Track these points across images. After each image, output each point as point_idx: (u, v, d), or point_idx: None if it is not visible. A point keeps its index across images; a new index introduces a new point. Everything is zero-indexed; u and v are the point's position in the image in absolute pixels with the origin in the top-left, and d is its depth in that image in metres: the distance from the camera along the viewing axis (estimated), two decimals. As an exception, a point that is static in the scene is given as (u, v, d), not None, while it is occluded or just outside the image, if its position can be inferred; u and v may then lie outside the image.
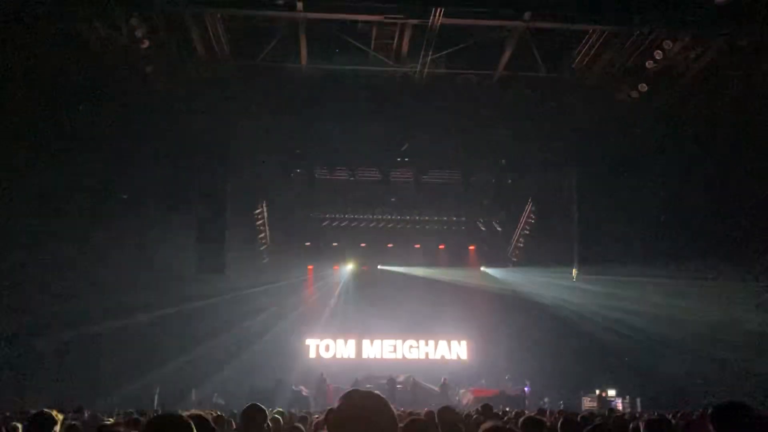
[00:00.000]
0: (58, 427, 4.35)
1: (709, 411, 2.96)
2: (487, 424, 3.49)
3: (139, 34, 14.51)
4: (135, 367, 20.84)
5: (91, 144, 17.65)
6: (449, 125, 18.88)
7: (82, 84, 16.06)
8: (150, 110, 17.49)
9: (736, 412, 2.95)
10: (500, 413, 10.83)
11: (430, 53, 15.78)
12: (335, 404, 2.03)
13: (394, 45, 16.04)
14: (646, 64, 15.89)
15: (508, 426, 3.49)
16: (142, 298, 20.93)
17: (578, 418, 7.35)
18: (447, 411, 6.60)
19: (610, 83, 17.32)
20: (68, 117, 16.60)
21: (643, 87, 16.64)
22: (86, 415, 10.34)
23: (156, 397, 20.01)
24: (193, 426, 2.74)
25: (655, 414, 8.27)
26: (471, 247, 28.82)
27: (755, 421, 2.94)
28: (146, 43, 14.83)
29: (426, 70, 16.48)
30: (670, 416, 8.12)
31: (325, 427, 2.16)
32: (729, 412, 2.95)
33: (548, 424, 6.94)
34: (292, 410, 13.27)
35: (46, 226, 17.79)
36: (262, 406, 4.87)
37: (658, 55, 15.50)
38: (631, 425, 6.91)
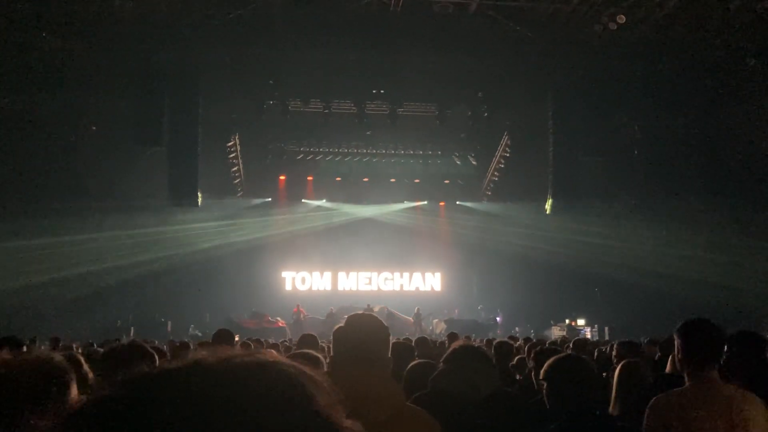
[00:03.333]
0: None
1: (678, 326, 3.04)
2: (457, 342, 3.55)
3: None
4: (108, 298, 20.91)
5: (58, 75, 17.14)
6: (425, 56, 18.58)
7: (47, 13, 15.44)
8: (118, 42, 16.94)
9: (702, 326, 3.03)
10: (471, 339, 11.09)
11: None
12: (340, 324, 2.34)
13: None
14: (625, -6, 15.68)
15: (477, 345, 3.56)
16: (114, 228, 20.82)
17: (547, 344, 7.58)
18: (423, 341, 6.95)
19: (589, 14, 17.09)
20: (34, 47, 16.03)
21: (622, 18, 16.45)
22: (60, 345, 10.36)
23: (132, 329, 20.12)
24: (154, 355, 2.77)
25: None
26: (446, 181, 28.91)
27: (718, 333, 3.02)
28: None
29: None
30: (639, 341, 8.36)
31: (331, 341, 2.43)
32: (695, 326, 3.03)
33: (515, 348, 7.17)
34: (270, 340, 13.45)
35: (13, 156, 17.43)
36: (230, 331, 5.15)
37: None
38: (596, 350, 7.11)
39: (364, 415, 0.82)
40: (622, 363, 4.36)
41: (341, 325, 2.32)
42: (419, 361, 3.66)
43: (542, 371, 3.01)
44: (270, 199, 27.44)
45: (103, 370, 2.73)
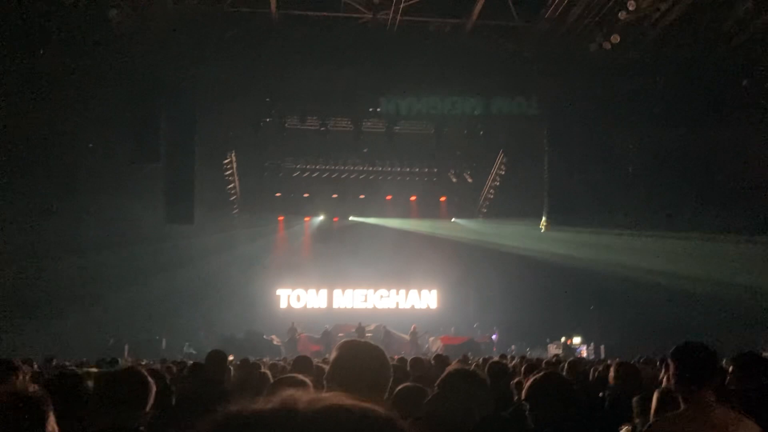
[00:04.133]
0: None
1: (671, 350, 3.05)
2: (452, 366, 3.55)
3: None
4: (103, 317, 20.82)
5: (53, 90, 17.16)
6: (422, 75, 18.69)
7: (44, 28, 15.50)
8: (115, 57, 16.99)
9: (695, 349, 3.04)
10: (468, 359, 11.06)
11: (403, 1, 15.51)
12: (332, 352, 2.36)
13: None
14: (619, 14, 15.83)
15: (472, 368, 3.56)
16: (110, 248, 20.79)
17: (543, 364, 7.55)
18: (418, 362, 6.94)
19: (583, 34, 17.25)
20: (30, 62, 16.07)
21: (616, 38, 16.61)
22: (54, 363, 10.31)
23: (126, 347, 20.01)
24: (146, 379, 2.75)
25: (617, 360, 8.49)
26: (442, 199, 28.94)
27: (712, 356, 3.04)
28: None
29: (399, 17, 16.22)
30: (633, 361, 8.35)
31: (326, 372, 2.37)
32: (688, 350, 3.04)
33: (511, 367, 7.15)
34: (265, 359, 13.38)
35: (8, 174, 17.43)
36: (223, 351, 5.11)
37: (630, 5, 15.44)
38: (593, 368, 7.08)
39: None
40: (662, 389, 4.11)
41: (337, 353, 2.30)
42: (407, 385, 3.63)
43: (523, 392, 3.02)
44: (266, 217, 27.40)
45: (101, 399, 2.70)
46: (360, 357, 2.21)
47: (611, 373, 6.07)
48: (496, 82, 19.18)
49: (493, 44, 17.73)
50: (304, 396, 0.71)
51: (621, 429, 3.97)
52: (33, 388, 1.82)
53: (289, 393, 0.72)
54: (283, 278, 27.97)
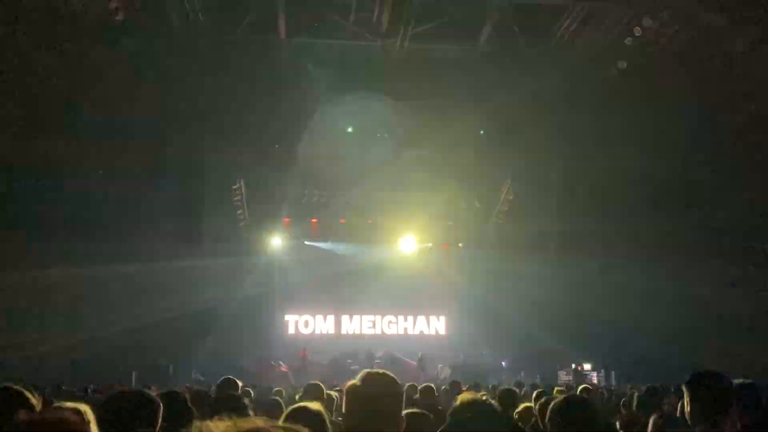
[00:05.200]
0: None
1: (687, 379, 3.01)
2: (464, 395, 3.52)
3: (113, 5, 14.23)
4: (110, 342, 20.77)
5: (64, 118, 17.34)
6: (429, 99, 18.80)
7: (56, 56, 15.72)
8: (125, 84, 17.19)
9: (710, 378, 3.01)
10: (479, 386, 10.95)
11: (410, 27, 15.67)
12: (349, 382, 2.35)
13: (374, 18, 15.90)
14: (626, 41, 15.94)
15: (484, 397, 3.53)
16: (119, 273, 20.83)
17: (553, 392, 7.44)
18: (428, 390, 6.90)
19: (591, 60, 17.35)
20: (43, 91, 16.29)
21: (623, 64, 16.71)
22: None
23: (134, 374, 19.93)
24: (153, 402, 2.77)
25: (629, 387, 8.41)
26: (450, 223, 28.85)
27: (726, 385, 3.00)
28: (121, 15, 14.55)
29: (406, 44, 16.37)
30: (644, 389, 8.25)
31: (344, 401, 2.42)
32: (703, 379, 3.01)
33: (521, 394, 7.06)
34: (273, 385, 13.28)
35: (21, 201, 17.57)
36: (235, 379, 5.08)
37: (637, 32, 15.55)
38: (622, 400, 6.94)
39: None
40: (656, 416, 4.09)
41: (355, 382, 2.30)
42: (411, 411, 3.59)
43: (547, 415, 2.99)
44: (274, 242, 27.40)
45: (111, 420, 2.72)
46: (375, 386, 2.21)
47: (634, 402, 5.97)
48: (503, 108, 19.23)
49: (501, 70, 17.82)
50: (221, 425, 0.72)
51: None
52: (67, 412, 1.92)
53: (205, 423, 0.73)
54: (291, 304, 27.88)
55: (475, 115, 19.82)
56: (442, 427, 3.14)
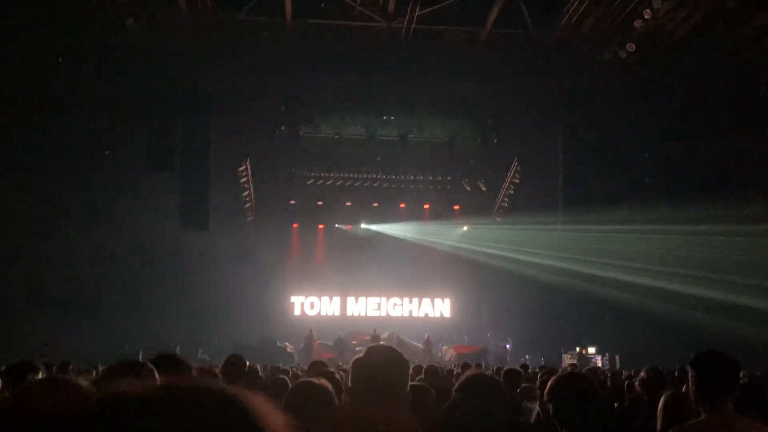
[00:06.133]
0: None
1: (692, 359, 3.01)
2: (470, 371, 3.54)
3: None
4: (116, 322, 20.92)
5: (71, 100, 17.34)
6: (435, 84, 18.70)
7: (61, 38, 15.69)
8: (131, 66, 17.15)
9: (715, 358, 3.00)
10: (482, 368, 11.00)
11: (417, 9, 15.55)
12: (354, 357, 2.37)
13: (381, 0, 15.78)
14: (635, 23, 15.78)
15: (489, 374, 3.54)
16: (125, 254, 20.95)
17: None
18: (432, 370, 6.94)
19: (599, 42, 17.20)
20: (49, 73, 16.26)
21: (631, 47, 16.55)
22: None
23: (140, 353, 20.06)
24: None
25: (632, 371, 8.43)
26: (456, 207, 28.88)
27: (733, 365, 2.99)
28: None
29: (413, 26, 16.25)
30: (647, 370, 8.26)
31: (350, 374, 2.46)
32: (708, 358, 3.00)
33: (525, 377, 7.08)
34: (279, 365, 13.36)
35: (25, 181, 17.62)
36: (242, 356, 5.14)
37: (646, 14, 15.38)
38: (626, 382, 6.96)
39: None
40: (667, 394, 4.10)
41: (360, 356, 2.31)
42: (414, 383, 3.59)
43: (545, 392, 3.01)
44: (280, 224, 27.48)
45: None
46: (381, 360, 2.22)
47: (636, 382, 5.98)
48: (510, 91, 19.13)
49: (508, 53, 17.69)
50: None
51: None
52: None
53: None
54: (297, 286, 28.02)
55: (482, 97, 19.71)
56: (446, 404, 3.16)
